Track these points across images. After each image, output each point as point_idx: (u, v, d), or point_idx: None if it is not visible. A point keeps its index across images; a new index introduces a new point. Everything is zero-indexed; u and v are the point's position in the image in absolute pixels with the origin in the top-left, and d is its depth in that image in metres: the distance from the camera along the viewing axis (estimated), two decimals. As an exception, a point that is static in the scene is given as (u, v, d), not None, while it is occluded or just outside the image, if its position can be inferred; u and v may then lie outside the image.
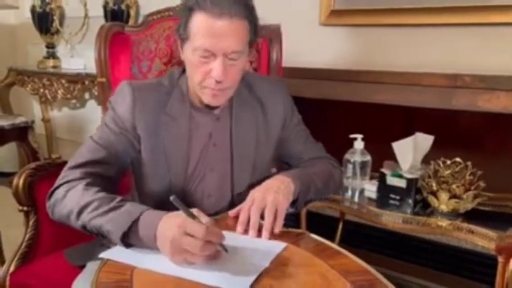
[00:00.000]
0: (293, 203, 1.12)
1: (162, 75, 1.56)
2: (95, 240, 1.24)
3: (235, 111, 1.19)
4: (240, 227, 1.01)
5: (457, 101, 1.64)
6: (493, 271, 1.22)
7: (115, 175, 1.14)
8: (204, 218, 0.91)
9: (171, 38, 1.64)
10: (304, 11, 2.00)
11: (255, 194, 1.06)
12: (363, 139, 1.47)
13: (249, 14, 1.06)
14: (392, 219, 1.29)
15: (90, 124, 3.03)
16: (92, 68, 2.65)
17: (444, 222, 1.23)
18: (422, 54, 1.78)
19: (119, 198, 1.01)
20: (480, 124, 1.66)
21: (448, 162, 1.27)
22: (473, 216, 1.27)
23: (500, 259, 1.12)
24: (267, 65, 1.63)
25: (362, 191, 1.47)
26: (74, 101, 3.01)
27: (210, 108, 1.16)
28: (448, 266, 1.78)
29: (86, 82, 2.56)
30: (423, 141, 1.39)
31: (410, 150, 1.35)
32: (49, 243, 1.40)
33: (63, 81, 2.61)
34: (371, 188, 1.44)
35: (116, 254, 0.93)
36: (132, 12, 2.58)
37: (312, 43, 2.00)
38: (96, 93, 2.57)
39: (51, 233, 1.40)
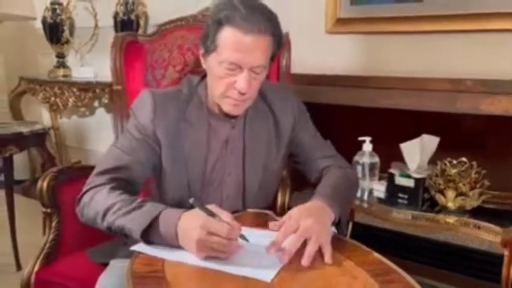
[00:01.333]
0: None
1: (176, 83, 1.63)
2: (117, 239, 1.30)
3: (249, 119, 1.24)
4: (273, 249, 0.97)
5: (460, 105, 1.70)
6: (498, 269, 1.28)
7: (138, 180, 1.20)
8: (223, 214, 0.96)
9: (184, 46, 1.69)
10: (310, 19, 2.07)
11: (302, 222, 0.99)
12: (371, 141, 1.53)
13: (276, 30, 1.12)
14: (402, 216, 1.35)
15: (99, 132, 3.10)
16: (102, 76, 2.75)
17: (451, 219, 1.29)
18: (426, 60, 1.85)
19: (140, 199, 1.07)
20: (482, 126, 1.72)
21: (454, 162, 1.34)
22: (479, 213, 1.33)
23: (506, 252, 1.18)
24: (276, 72, 1.69)
25: (371, 191, 1.53)
26: (83, 109, 3.08)
27: (228, 116, 1.21)
28: (454, 266, 1.83)
29: (97, 90, 2.63)
30: (429, 142, 1.45)
31: (417, 151, 1.42)
32: (71, 243, 1.44)
33: (74, 89, 2.67)
34: (379, 188, 1.51)
35: (146, 247, 0.99)
36: (142, 23, 2.66)
37: (319, 51, 2.07)
38: (106, 101, 2.64)
39: (73, 234, 1.45)
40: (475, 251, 1.77)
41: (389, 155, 1.57)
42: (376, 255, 1.00)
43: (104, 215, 1.06)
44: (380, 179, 1.56)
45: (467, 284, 1.83)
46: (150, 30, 2.49)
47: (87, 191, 1.14)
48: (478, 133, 1.74)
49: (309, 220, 0.98)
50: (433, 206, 1.42)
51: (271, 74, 1.70)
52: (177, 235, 0.96)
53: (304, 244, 0.97)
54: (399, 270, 0.93)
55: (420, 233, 1.88)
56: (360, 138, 1.53)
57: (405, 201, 1.43)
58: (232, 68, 1.10)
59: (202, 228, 0.92)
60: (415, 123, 1.81)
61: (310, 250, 0.95)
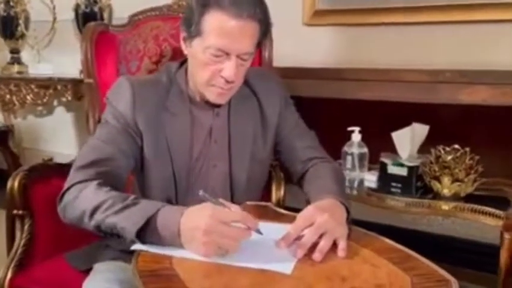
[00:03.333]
0: None
1: (152, 73, 1.56)
2: (97, 241, 1.22)
3: (233, 106, 1.19)
4: (283, 243, 0.92)
5: (439, 95, 1.72)
6: (488, 259, 1.28)
7: (122, 172, 1.11)
8: (234, 208, 0.91)
9: (160, 37, 1.63)
10: (287, 11, 2.03)
11: (318, 217, 0.93)
12: (359, 132, 1.51)
13: (264, 16, 1.07)
14: (397, 203, 1.34)
15: (58, 132, 2.93)
16: (60, 73, 2.60)
17: (448, 205, 1.30)
18: (405, 51, 1.87)
19: (132, 196, 0.98)
20: (464, 116, 1.75)
21: (447, 148, 1.34)
22: (472, 199, 1.34)
23: (507, 236, 1.19)
24: (258, 64, 1.65)
25: (361, 182, 1.51)
26: (40, 108, 2.90)
27: (211, 105, 1.15)
28: (444, 256, 1.84)
29: (59, 87, 2.48)
30: (419, 131, 1.45)
31: (408, 140, 1.41)
32: (46, 247, 1.35)
33: (32, 86, 2.51)
34: (371, 178, 1.49)
35: (147, 246, 0.90)
36: (106, 15, 2.53)
37: (296, 44, 2.03)
38: (69, 98, 2.49)
39: (48, 237, 1.35)
40: (464, 242, 1.79)
41: (376, 146, 1.56)
42: (389, 242, 0.97)
43: (93, 213, 0.96)
44: (369, 169, 1.54)
45: (458, 275, 1.85)
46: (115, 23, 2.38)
47: (69, 187, 1.04)
48: (460, 123, 1.77)
49: (325, 215, 0.93)
50: (426, 193, 1.42)
51: (254, 66, 1.66)
52: (180, 233, 0.88)
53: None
54: (417, 256, 0.90)
55: (413, 223, 1.89)
56: (349, 129, 1.51)
57: (398, 190, 1.42)
58: (218, 55, 1.04)
59: (211, 217, 0.85)
60: (397, 114, 1.80)
61: (323, 245, 0.90)
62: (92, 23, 1.73)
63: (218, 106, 1.16)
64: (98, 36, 1.63)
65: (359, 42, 1.96)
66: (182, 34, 1.11)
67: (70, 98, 2.48)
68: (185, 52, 1.13)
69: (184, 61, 1.19)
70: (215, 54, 1.04)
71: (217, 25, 1.02)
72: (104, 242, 1.19)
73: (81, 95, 2.51)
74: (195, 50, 1.07)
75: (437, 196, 1.37)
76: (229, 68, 1.04)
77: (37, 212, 1.33)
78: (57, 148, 2.91)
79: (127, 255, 1.08)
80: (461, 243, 1.85)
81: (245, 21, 1.02)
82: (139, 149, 1.13)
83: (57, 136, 2.96)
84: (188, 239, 0.87)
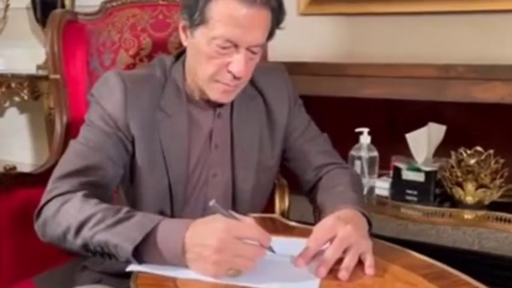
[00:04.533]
0: None
1: (129, 69, 1.53)
2: (71, 262, 1.18)
3: (237, 106, 1.16)
4: (302, 260, 0.89)
5: (450, 93, 1.73)
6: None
7: (111, 182, 1.08)
8: (247, 221, 0.88)
9: (138, 27, 1.60)
10: (280, -1, 2.03)
11: (340, 229, 0.91)
12: (369, 133, 1.50)
13: (277, 4, 1.05)
14: (414, 213, 1.34)
15: (10, 138, 2.85)
16: (13, 68, 2.52)
17: (472, 214, 1.30)
18: (410, 44, 1.87)
19: (126, 208, 0.94)
20: (479, 115, 1.77)
21: (469, 151, 1.35)
22: (498, 207, 1.34)
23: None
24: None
25: (371, 189, 1.50)
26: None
27: (212, 104, 1.13)
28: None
29: (13, 85, 2.40)
30: (436, 132, 1.46)
31: (425, 142, 1.41)
32: (11, 270, 1.30)
33: (-19, 84, 2.44)
34: (382, 185, 1.48)
35: (145, 266, 0.86)
36: (67, 3, 2.47)
37: (290, 36, 2.01)
38: (25, 97, 2.42)
39: (12, 258, 1.31)
40: (481, 255, 1.80)
41: (383, 149, 1.55)
42: (418, 256, 0.96)
43: (79, 229, 0.91)
44: (379, 175, 1.53)
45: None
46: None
47: (49, 200, 0.99)
48: (476, 122, 1.78)
49: (348, 228, 0.91)
50: (445, 201, 1.42)
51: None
52: (185, 250, 0.84)
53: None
54: (453, 271, 0.89)
55: (419, 235, 1.89)
56: (357, 130, 1.50)
57: (414, 198, 1.41)
58: (226, 46, 1.01)
59: (225, 232, 0.82)
60: (404, 114, 1.81)
61: (349, 261, 0.87)
62: (58, 10, 1.69)
63: (220, 106, 1.14)
64: (66, 26, 1.59)
65: (360, 34, 1.96)
66: (182, 23, 1.07)
67: (26, 97, 2.41)
68: (185, 43, 1.10)
69: (180, 54, 1.16)
70: (222, 46, 1.01)
71: (227, 13, 0.99)
72: (81, 262, 1.15)
73: (39, 93, 2.44)
74: (198, 41, 1.04)
75: (458, 204, 1.37)
76: (238, 62, 1.02)
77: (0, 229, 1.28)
78: (8, 156, 2.82)
79: (108, 277, 1.07)
80: (478, 256, 1.86)
81: (258, 9, 0.99)
82: (130, 155, 1.09)
83: (8, 142, 2.88)
84: (195, 256, 0.84)
